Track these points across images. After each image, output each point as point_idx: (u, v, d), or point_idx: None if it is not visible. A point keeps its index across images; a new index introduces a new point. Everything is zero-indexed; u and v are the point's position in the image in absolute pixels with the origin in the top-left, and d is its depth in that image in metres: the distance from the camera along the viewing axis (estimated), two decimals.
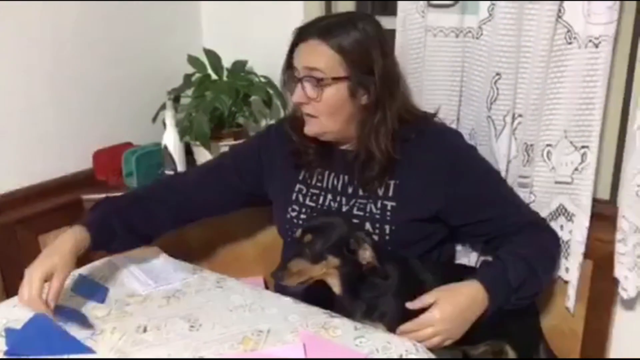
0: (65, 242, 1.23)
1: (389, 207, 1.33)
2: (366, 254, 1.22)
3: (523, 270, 1.27)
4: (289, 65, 1.35)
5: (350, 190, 1.38)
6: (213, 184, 1.48)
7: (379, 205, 1.34)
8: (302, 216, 1.40)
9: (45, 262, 1.18)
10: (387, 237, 1.32)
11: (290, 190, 1.43)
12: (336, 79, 1.27)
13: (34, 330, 1.15)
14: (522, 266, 1.27)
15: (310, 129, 1.34)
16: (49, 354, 1.11)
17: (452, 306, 1.20)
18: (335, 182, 1.40)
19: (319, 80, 1.27)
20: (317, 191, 1.41)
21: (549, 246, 1.38)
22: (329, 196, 1.40)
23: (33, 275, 1.16)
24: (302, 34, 1.31)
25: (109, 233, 1.32)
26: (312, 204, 1.40)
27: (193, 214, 1.49)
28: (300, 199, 1.41)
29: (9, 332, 1.17)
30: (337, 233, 1.23)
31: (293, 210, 1.41)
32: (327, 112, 1.30)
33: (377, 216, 1.33)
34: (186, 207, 1.46)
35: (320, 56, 1.27)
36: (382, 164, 1.32)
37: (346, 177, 1.39)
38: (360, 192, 1.37)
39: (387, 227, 1.32)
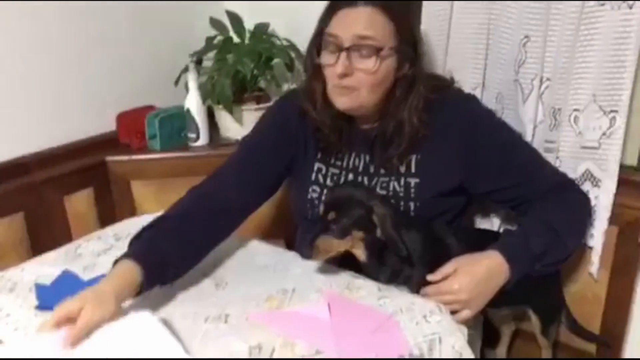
0: (106, 286, 1.05)
1: (412, 184, 1.30)
2: (377, 231, 1.20)
3: (546, 237, 1.24)
4: (320, 31, 1.25)
5: (371, 169, 1.34)
6: (254, 176, 1.35)
7: (402, 182, 1.31)
8: (324, 197, 1.34)
9: (74, 304, 1.00)
10: (411, 214, 1.31)
11: (310, 169, 1.38)
12: (392, 50, 1.21)
13: (64, 286, 1.18)
14: (545, 232, 1.25)
15: (346, 101, 1.25)
16: None
17: (470, 277, 1.20)
18: (357, 161, 1.36)
19: (378, 50, 1.19)
20: (337, 171, 1.36)
21: (577, 208, 1.34)
22: (350, 175, 1.35)
23: (55, 313, 1.00)
24: None
25: (161, 262, 1.13)
26: (333, 185, 1.36)
27: (241, 213, 1.34)
28: (321, 179, 1.37)
29: (39, 288, 1.20)
30: (360, 207, 1.21)
31: (314, 191, 1.37)
32: (372, 84, 1.22)
33: (401, 194, 1.31)
34: (234, 210, 1.31)
35: (376, 24, 1.19)
36: (411, 140, 1.27)
37: (367, 157, 1.35)
38: (382, 171, 1.33)
39: (411, 204, 1.30)
